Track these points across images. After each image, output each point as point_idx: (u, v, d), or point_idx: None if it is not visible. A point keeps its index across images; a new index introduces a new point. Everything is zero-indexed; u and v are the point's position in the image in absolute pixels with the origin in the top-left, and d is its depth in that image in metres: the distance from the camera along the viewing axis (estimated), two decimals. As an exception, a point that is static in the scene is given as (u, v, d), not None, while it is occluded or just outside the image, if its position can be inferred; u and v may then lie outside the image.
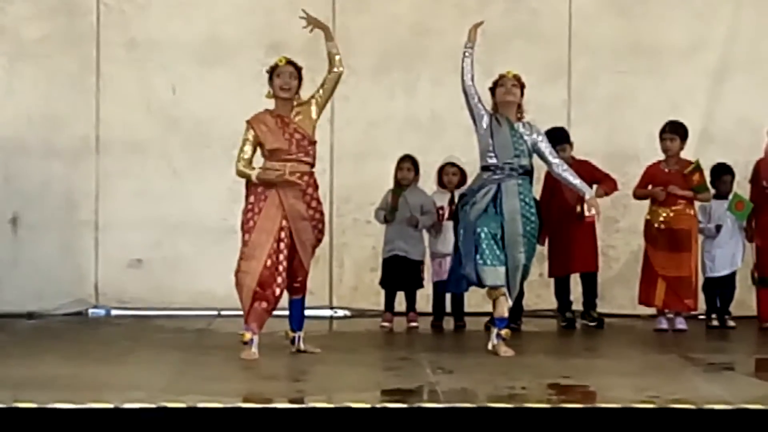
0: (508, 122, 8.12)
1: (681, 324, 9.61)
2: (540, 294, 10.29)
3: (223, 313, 10.01)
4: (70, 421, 5.78)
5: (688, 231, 9.60)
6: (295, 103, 7.94)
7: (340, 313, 10.62)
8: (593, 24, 10.66)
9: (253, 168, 7.87)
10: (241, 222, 7.89)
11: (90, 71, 10.46)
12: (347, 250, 10.58)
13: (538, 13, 10.68)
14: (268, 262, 7.74)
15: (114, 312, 10.49)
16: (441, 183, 9.82)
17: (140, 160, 10.44)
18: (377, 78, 10.59)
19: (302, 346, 8.02)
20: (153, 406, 5.88)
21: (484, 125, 8.09)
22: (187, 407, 5.90)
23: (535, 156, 9.73)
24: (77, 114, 10.45)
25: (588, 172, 9.73)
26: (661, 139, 9.63)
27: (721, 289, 9.92)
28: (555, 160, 8.25)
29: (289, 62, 7.92)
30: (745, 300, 9.99)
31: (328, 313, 10.54)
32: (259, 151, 7.93)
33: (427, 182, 9.90)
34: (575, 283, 9.93)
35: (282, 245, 7.79)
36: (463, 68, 8.13)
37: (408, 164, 9.77)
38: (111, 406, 5.86)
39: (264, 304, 7.75)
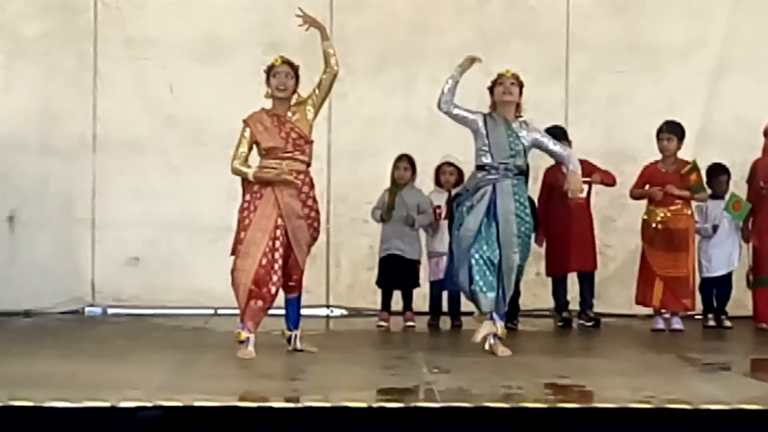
0: (504, 122, 8.11)
1: (677, 324, 9.61)
2: (537, 293, 10.29)
3: (219, 311, 10.02)
4: (66, 419, 5.78)
5: (685, 231, 9.60)
6: (292, 102, 7.95)
7: (337, 312, 10.62)
8: (591, 23, 10.66)
9: (250, 166, 7.88)
10: (237, 220, 7.90)
11: (87, 69, 10.46)
12: (344, 249, 10.58)
13: (535, 12, 10.68)
14: (264, 261, 7.74)
15: (111, 310, 10.49)
16: (438, 182, 9.82)
17: (137, 158, 10.43)
18: (374, 77, 10.58)
19: (299, 345, 8.02)
20: (149, 404, 5.88)
21: (480, 126, 8.09)
22: (183, 406, 5.90)
23: (532, 156, 9.80)
24: (75, 112, 10.44)
25: (586, 170, 9.73)
26: (658, 138, 9.64)
27: (717, 289, 9.92)
28: (557, 149, 8.25)
29: (286, 62, 7.92)
30: (741, 300, 9.99)
31: (324, 312, 10.54)
32: (255, 149, 7.93)
33: (425, 181, 9.90)
34: (572, 282, 9.93)
35: (278, 243, 7.79)
36: (442, 92, 8.04)
37: (405, 163, 9.77)
38: (107, 404, 5.85)
39: (260, 303, 7.75)
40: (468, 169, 8.85)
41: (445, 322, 9.75)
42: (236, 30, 10.50)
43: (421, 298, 9.90)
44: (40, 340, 8.78)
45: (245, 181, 7.91)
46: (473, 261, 7.91)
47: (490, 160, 8.05)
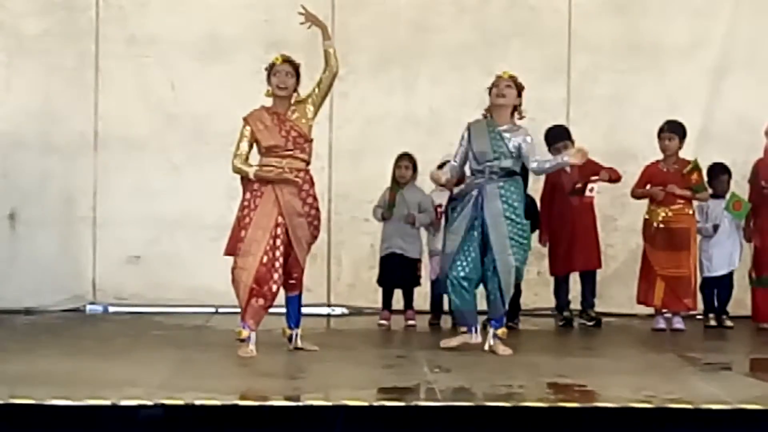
0: (488, 125, 8.13)
1: (678, 323, 9.61)
2: (538, 292, 10.29)
3: (221, 309, 10.02)
4: (67, 417, 5.78)
5: (686, 230, 9.60)
6: (292, 100, 7.95)
7: (338, 310, 10.61)
8: (593, 22, 10.65)
9: (250, 165, 7.89)
10: (236, 218, 7.90)
11: (89, 67, 10.46)
12: (345, 247, 10.58)
13: (537, 11, 10.67)
14: (265, 259, 7.75)
15: (112, 308, 10.48)
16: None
17: (139, 156, 10.43)
18: (376, 75, 10.58)
19: (299, 344, 8.02)
20: (150, 402, 5.88)
21: (465, 139, 8.16)
22: (184, 404, 5.90)
23: (542, 152, 9.81)
24: (76, 110, 10.44)
25: (590, 168, 9.74)
26: (660, 138, 9.63)
27: (718, 288, 9.92)
28: (533, 164, 8.19)
29: (286, 60, 7.93)
30: (742, 300, 9.98)
31: (325, 310, 10.53)
32: (255, 147, 7.94)
33: (426, 180, 9.88)
34: (573, 281, 9.93)
35: (278, 242, 7.80)
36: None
37: (406, 162, 9.77)
38: (108, 402, 5.86)
39: (261, 301, 7.76)
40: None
41: (446, 321, 9.73)
42: (238, 28, 10.49)
43: (422, 297, 9.90)
44: (41, 338, 8.79)
45: (245, 180, 7.91)
46: (449, 283, 8.08)
47: (475, 164, 8.08)
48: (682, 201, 9.58)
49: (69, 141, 10.42)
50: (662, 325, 9.65)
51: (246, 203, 7.87)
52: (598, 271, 9.95)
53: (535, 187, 9.84)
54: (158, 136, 10.46)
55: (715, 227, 9.84)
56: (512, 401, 6.21)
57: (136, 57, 10.46)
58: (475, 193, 8.05)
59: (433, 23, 10.62)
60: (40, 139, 10.36)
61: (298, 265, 7.95)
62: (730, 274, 9.91)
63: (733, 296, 9.96)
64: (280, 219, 7.81)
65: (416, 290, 9.84)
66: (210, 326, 9.61)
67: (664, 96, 10.47)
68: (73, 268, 10.41)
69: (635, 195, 9.77)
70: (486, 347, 8.03)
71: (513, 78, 8.21)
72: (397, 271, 9.76)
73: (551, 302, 10.05)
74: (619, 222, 10.40)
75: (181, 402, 5.92)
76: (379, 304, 9.90)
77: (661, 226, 9.58)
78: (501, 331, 8.07)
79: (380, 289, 9.89)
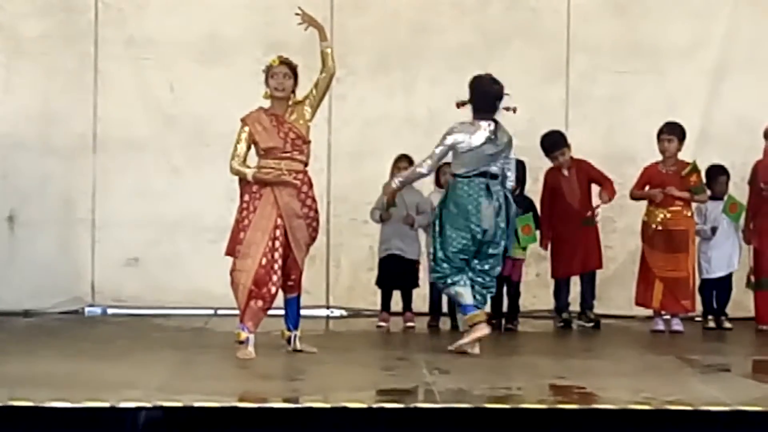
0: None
1: (677, 325, 9.61)
2: (537, 294, 10.29)
3: (219, 311, 10.01)
4: (66, 419, 5.78)
5: (685, 232, 9.60)
6: (290, 102, 7.96)
7: (337, 312, 10.61)
8: (592, 24, 10.65)
9: (248, 167, 7.89)
10: (235, 220, 7.90)
11: (88, 69, 10.45)
12: (344, 249, 10.58)
13: (537, 13, 10.67)
14: (264, 261, 7.74)
15: (110, 310, 10.48)
16: (438, 183, 9.80)
17: (138, 158, 10.42)
18: (375, 77, 10.58)
19: (298, 346, 8.02)
20: (149, 404, 5.88)
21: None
22: (183, 406, 5.90)
23: (531, 156, 9.84)
24: (75, 112, 10.43)
25: (585, 171, 9.76)
26: (659, 140, 9.63)
27: (717, 290, 9.92)
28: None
29: (284, 62, 7.93)
30: (741, 301, 9.99)
31: (324, 312, 10.53)
32: (253, 149, 7.94)
33: (425, 182, 9.88)
34: (573, 283, 9.93)
35: (277, 243, 7.80)
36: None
37: (404, 163, 9.75)
38: (107, 404, 5.85)
39: (260, 303, 7.75)
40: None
41: (445, 323, 9.74)
42: (237, 30, 10.49)
43: (420, 298, 9.89)
44: (40, 340, 8.78)
45: (243, 181, 7.91)
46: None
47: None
48: (680, 203, 9.58)
49: (68, 143, 10.42)
50: (661, 326, 9.65)
51: (245, 205, 7.87)
52: (598, 273, 9.95)
53: (533, 188, 9.85)
54: (157, 138, 10.45)
55: (714, 229, 9.84)
56: (511, 403, 6.22)
57: (136, 59, 10.46)
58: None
59: (432, 24, 10.62)
60: (40, 140, 10.35)
61: (296, 267, 7.95)
62: (729, 276, 9.91)
63: (732, 298, 9.96)
64: (278, 221, 7.81)
65: (415, 292, 9.84)
66: (209, 328, 9.61)
67: (663, 97, 10.47)
68: (72, 270, 10.40)
69: (634, 196, 9.77)
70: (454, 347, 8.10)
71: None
72: (395, 272, 9.75)
73: (550, 304, 10.05)
74: (618, 224, 10.39)
75: (180, 404, 5.92)
76: (378, 306, 9.90)
77: (660, 227, 9.58)
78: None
79: (379, 291, 9.89)
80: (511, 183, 8.27)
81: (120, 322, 10.06)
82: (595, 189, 9.84)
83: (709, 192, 9.79)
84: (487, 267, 8.12)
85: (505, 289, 9.61)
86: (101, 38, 10.46)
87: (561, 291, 9.90)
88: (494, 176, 8.06)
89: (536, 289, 10.26)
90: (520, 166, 9.62)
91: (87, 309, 10.47)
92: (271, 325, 8.10)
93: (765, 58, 10.61)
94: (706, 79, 10.67)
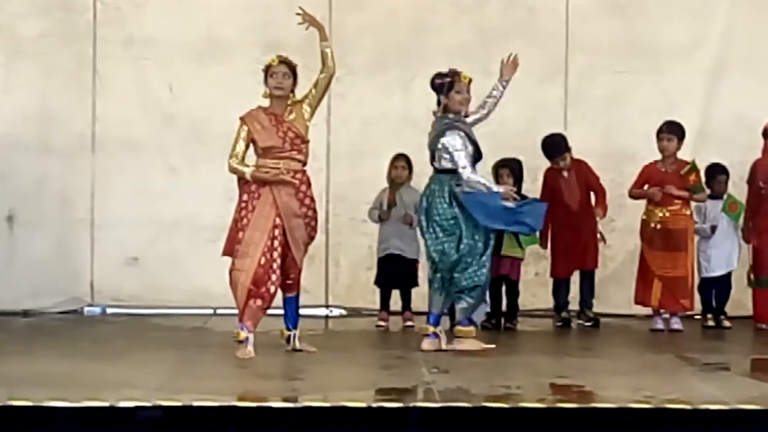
0: (465, 124, 8.23)
1: (676, 324, 9.61)
2: (536, 293, 10.29)
3: (219, 311, 10.02)
4: (65, 419, 5.78)
5: (684, 231, 9.60)
6: (289, 101, 7.96)
7: (336, 312, 10.61)
8: (590, 23, 10.65)
9: (247, 165, 7.88)
10: (233, 219, 7.89)
11: (87, 69, 10.45)
12: (343, 248, 10.58)
13: (535, 12, 10.67)
14: (263, 260, 7.75)
15: (109, 310, 10.48)
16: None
17: (137, 157, 10.42)
18: (373, 76, 10.58)
19: (298, 345, 8.02)
20: (148, 404, 5.88)
21: (463, 142, 8.14)
22: (182, 405, 5.90)
23: (531, 156, 9.83)
24: (74, 111, 10.43)
25: (584, 174, 9.76)
26: (658, 138, 9.63)
27: (716, 289, 9.92)
28: (482, 116, 8.33)
29: (283, 61, 7.93)
30: (741, 300, 9.99)
31: (323, 312, 10.53)
32: (251, 148, 7.94)
33: (424, 181, 9.87)
34: (572, 282, 9.93)
35: (276, 243, 7.80)
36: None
37: (402, 162, 9.77)
38: (106, 404, 5.86)
39: (258, 302, 7.75)
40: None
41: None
42: (235, 30, 10.49)
43: (420, 298, 9.87)
44: (39, 340, 8.78)
45: (242, 180, 7.90)
46: (487, 283, 8.22)
47: (475, 160, 8.14)
48: (679, 201, 9.58)
49: (67, 142, 10.41)
50: (660, 325, 9.65)
51: (243, 205, 7.86)
52: (596, 271, 9.95)
53: (532, 188, 9.85)
54: (156, 138, 10.45)
55: (713, 228, 9.84)
56: (510, 402, 6.21)
57: (134, 58, 10.46)
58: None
59: (431, 24, 10.62)
60: (38, 140, 10.35)
61: (295, 266, 7.95)
62: (728, 275, 9.91)
63: (732, 297, 9.96)
64: (277, 220, 7.81)
65: (414, 291, 9.83)
66: (208, 328, 9.61)
67: (662, 96, 10.47)
68: (71, 270, 10.40)
69: (633, 195, 9.77)
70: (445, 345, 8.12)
71: (470, 80, 8.23)
72: (394, 272, 9.75)
73: (549, 303, 10.05)
74: (617, 223, 10.39)
75: (179, 403, 5.92)
76: (378, 305, 9.90)
77: (659, 226, 9.58)
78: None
79: (378, 290, 9.89)
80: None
81: (119, 321, 10.06)
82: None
83: (708, 191, 9.79)
84: None
85: (504, 288, 9.61)
86: (100, 38, 10.46)
87: (560, 290, 9.90)
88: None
89: (535, 288, 10.26)
90: (518, 165, 9.65)
91: (86, 309, 10.47)
92: (270, 325, 8.10)
93: (763, 57, 10.61)
94: (705, 78, 10.67)
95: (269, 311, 7.88)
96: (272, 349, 7.96)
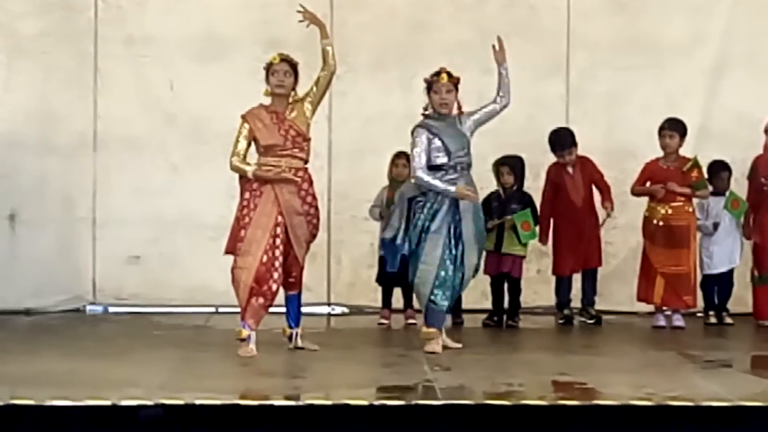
0: (447, 122, 8.14)
1: (678, 321, 9.61)
2: (537, 291, 10.28)
3: (221, 309, 10.02)
4: (67, 418, 5.79)
5: (686, 228, 9.59)
6: (290, 99, 7.96)
7: (338, 309, 10.60)
8: (591, 20, 10.64)
9: (248, 164, 7.89)
10: (235, 217, 7.90)
11: (87, 67, 10.45)
12: (344, 246, 10.57)
13: (536, 10, 10.66)
14: (264, 258, 7.75)
15: (111, 309, 10.47)
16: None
17: (138, 156, 10.42)
18: (374, 74, 10.57)
19: (300, 343, 8.03)
20: (150, 402, 5.88)
21: (426, 138, 8.07)
22: (184, 404, 5.91)
23: (534, 152, 9.81)
24: (75, 110, 10.43)
25: (589, 171, 9.75)
26: (660, 135, 9.63)
27: (718, 286, 9.91)
28: (495, 105, 8.20)
29: (284, 59, 7.94)
30: (743, 297, 9.98)
31: (325, 310, 10.52)
32: (252, 146, 7.94)
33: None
34: (574, 280, 9.92)
35: (278, 241, 7.80)
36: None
37: (403, 160, 9.74)
38: (108, 402, 5.86)
39: (261, 300, 7.76)
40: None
41: (446, 320, 9.73)
42: (236, 28, 10.49)
43: (421, 296, 9.88)
44: (41, 339, 8.79)
45: (243, 179, 7.91)
46: (437, 274, 8.00)
47: (446, 159, 8.04)
48: (682, 198, 9.58)
49: (68, 141, 10.41)
50: (662, 322, 9.65)
51: (245, 203, 7.87)
52: (599, 269, 9.95)
53: (534, 185, 9.85)
54: (157, 136, 10.45)
55: (716, 225, 9.83)
56: (512, 399, 6.22)
57: (135, 57, 10.45)
58: (452, 189, 8.03)
59: (432, 22, 10.61)
60: (39, 139, 10.35)
61: (297, 264, 7.96)
62: (730, 272, 9.91)
63: (734, 294, 9.95)
64: (279, 218, 7.81)
65: (416, 289, 9.82)
66: (210, 326, 9.61)
67: (663, 94, 10.47)
68: (73, 269, 10.40)
69: (635, 192, 9.76)
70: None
71: (452, 80, 8.16)
72: (396, 270, 9.73)
73: (551, 300, 10.05)
74: (619, 220, 10.37)
75: (181, 402, 5.93)
76: (379, 303, 9.90)
77: (661, 223, 9.57)
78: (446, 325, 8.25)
79: (380, 288, 9.88)
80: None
81: (121, 320, 10.06)
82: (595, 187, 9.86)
83: (710, 188, 9.78)
84: None
85: (506, 285, 9.61)
86: (101, 37, 10.45)
87: (562, 287, 9.89)
88: None
89: (537, 286, 10.25)
90: (519, 162, 9.65)
91: (88, 307, 10.47)
92: (272, 323, 8.10)
93: (764, 54, 10.60)
94: (706, 76, 10.65)
95: (271, 309, 7.88)
96: (274, 347, 7.96)
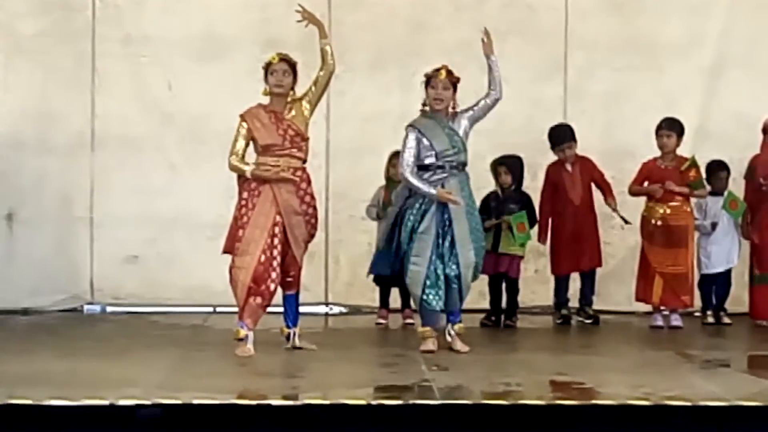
0: (439, 121, 8.10)
1: (676, 321, 9.61)
2: (535, 290, 10.29)
3: (218, 309, 10.02)
4: (65, 417, 5.78)
5: (684, 227, 9.60)
6: (288, 99, 7.95)
7: (336, 309, 10.61)
8: (589, 20, 10.65)
9: (247, 163, 7.89)
10: (234, 217, 7.90)
11: (85, 67, 10.45)
12: (342, 246, 10.58)
13: (534, 10, 10.67)
14: (262, 258, 7.75)
15: (109, 308, 10.47)
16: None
17: (136, 155, 10.42)
18: (373, 74, 10.58)
19: (297, 343, 8.03)
20: (148, 402, 5.88)
21: (415, 138, 8.06)
22: (182, 403, 5.90)
23: (532, 152, 9.81)
24: (73, 110, 10.43)
25: (589, 170, 9.76)
26: (657, 135, 9.63)
27: (716, 286, 9.91)
28: (487, 99, 8.12)
29: (283, 59, 7.93)
30: (740, 297, 9.99)
31: (323, 309, 10.52)
32: (251, 145, 7.94)
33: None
34: (573, 279, 9.92)
35: (276, 240, 7.80)
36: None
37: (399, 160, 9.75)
38: (106, 402, 5.86)
39: (258, 300, 7.76)
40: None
41: (442, 320, 9.72)
42: (234, 28, 10.49)
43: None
44: (39, 339, 8.78)
45: (241, 178, 7.91)
46: (428, 274, 7.96)
47: (434, 159, 8.03)
48: (680, 198, 9.58)
49: (66, 141, 10.41)
50: (660, 322, 9.65)
51: (243, 202, 7.87)
52: (597, 269, 9.95)
53: (533, 185, 9.85)
54: (155, 136, 10.45)
55: (714, 224, 9.84)
56: (510, 399, 6.22)
57: (133, 56, 10.45)
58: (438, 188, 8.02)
59: (430, 21, 10.62)
60: (37, 139, 10.35)
61: (295, 264, 7.96)
62: (728, 272, 9.91)
63: (731, 293, 9.96)
64: (278, 218, 7.81)
65: (414, 289, 9.82)
66: (208, 325, 9.61)
67: (661, 93, 10.48)
68: (71, 268, 10.40)
69: (633, 192, 9.76)
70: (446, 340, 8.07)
71: (451, 77, 8.13)
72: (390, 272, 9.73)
73: (549, 300, 10.06)
74: (617, 220, 10.36)
75: (179, 401, 5.92)
76: (377, 303, 9.90)
77: (659, 223, 9.58)
78: (459, 326, 8.11)
79: (378, 288, 9.88)
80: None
81: (119, 319, 10.06)
82: (594, 186, 9.86)
83: (708, 187, 9.79)
84: None
85: (504, 285, 9.61)
86: (99, 36, 10.45)
87: (560, 287, 9.89)
88: None
89: (535, 285, 10.26)
90: (518, 162, 9.65)
91: (86, 307, 10.47)
92: (270, 323, 8.10)
93: (762, 55, 10.61)
94: (704, 76, 10.66)
95: (269, 309, 7.88)
96: (272, 346, 7.96)
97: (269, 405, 6.01)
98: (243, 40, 10.40)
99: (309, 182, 7.97)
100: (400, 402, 6.05)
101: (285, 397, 6.24)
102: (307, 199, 7.93)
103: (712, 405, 6.03)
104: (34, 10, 10.41)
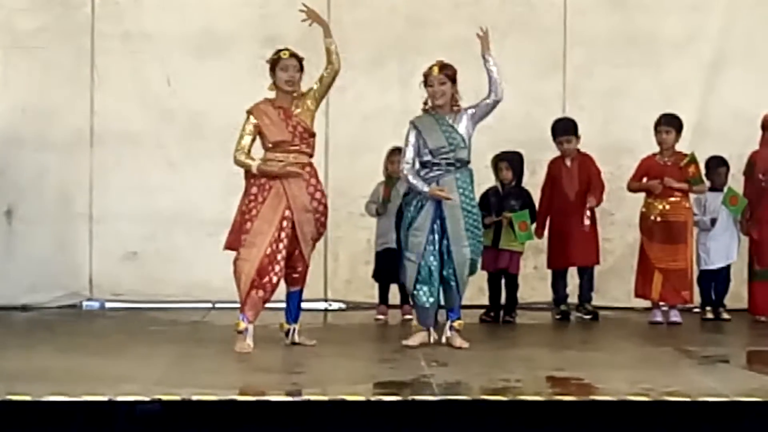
0: (437, 120, 8.08)
1: (675, 317, 9.61)
2: (534, 287, 10.30)
3: (217, 305, 10.03)
4: (64, 413, 5.78)
5: (684, 223, 9.60)
6: (294, 94, 7.94)
7: (335, 305, 10.62)
8: (588, 17, 10.66)
9: (253, 159, 7.86)
10: (240, 211, 7.87)
11: (85, 63, 10.45)
12: (342, 243, 10.58)
13: (533, 6, 10.68)
14: (268, 251, 7.73)
15: (108, 304, 10.48)
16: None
17: (135, 152, 10.43)
18: (372, 71, 10.58)
19: (297, 339, 8.02)
20: (147, 398, 5.88)
21: (415, 136, 8.06)
22: (181, 400, 5.90)
23: (532, 148, 9.81)
24: (72, 106, 10.43)
25: (587, 166, 9.76)
26: (656, 131, 9.63)
27: (716, 281, 9.92)
28: (487, 99, 8.05)
29: (293, 54, 7.91)
30: (739, 293, 10.00)
31: (322, 305, 10.53)
32: (257, 141, 7.93)
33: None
34: (571, 275, 9.93)
35: (283, 235, 7.79)
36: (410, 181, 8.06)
37: (398, 157, 9.72)
38: (105, 398, 5.85)
39: (261, 293, 7.75)
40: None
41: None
42: (233, 24, 10.49)
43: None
44: (38, 335, 8.78)
45: (249, 173, 7.87)
46: (421, 270, 7.96)
47: (430, 158, 8.03)
48: (679, 194, 9.59)
49: (65, 137, 10.41)
50: (659, 318, 9.65)
51: (252, 197, 7.83)
52: (595, 265, 9.95)
53: (532, 181, 9.85)
54: (155, 132, 10.46)
55: (713, 220, 9.84)
56: (509, 395, 6.21)
57: (132, 53, 10.45)
58: (433, 185, 8.01)
59: (429, 18, 10.62)
60: (36, 135, 10.35)
61: (302, 261, 7.94)
62: (727, 268, 9.92)
63: (731, 289, 9.97)
64: (287, 212, 7.79)
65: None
66: (207, 322, 9.61)
67: (660, 90, 10.48)
68: (70, 265, 10.40)
69: (632, 188, 9.77)
70: (443, 340, 8.05)
71: (445, 71, 8.09)
72: (392, 266, 9.71)
73: (548, 296, 10.06)
74: (616, 216, 10.40)
75: (178, 397, 5.92)
76: (376, 299, 9.90)
77: (659, 219, 9.58)
78: (458, 323, 8.09)
79: (377, 284, 9.89)
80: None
81: (118, 316, 10.06)
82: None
83: (708, 183, 9.79)
84: None
85: (503, 281, 9.61)
86: (98, 32, 10.46)
87: (558, 283, 9.90)
88: None
89: (534, 282, 10.26)
90: (518, 158, 9.65)
91: (85, 303, 10.48)
92: (269, 318, 8.10)
93: (761, 51, 10.62)
94: (703, 72, 10.68)
95: (268, 305, 7.87)
96: (271, 342, 7.96)
97: (269, 401, 6.00)
98: (242, 36, 10.40)
99: (318, 179, 7.97)
100: (399, 398, 6.05)
101: (285, 393, 6.24)
102: (318, 195, 7.91)
103: (711, 401, 6.02)
104: (34, 6, 10.41)
